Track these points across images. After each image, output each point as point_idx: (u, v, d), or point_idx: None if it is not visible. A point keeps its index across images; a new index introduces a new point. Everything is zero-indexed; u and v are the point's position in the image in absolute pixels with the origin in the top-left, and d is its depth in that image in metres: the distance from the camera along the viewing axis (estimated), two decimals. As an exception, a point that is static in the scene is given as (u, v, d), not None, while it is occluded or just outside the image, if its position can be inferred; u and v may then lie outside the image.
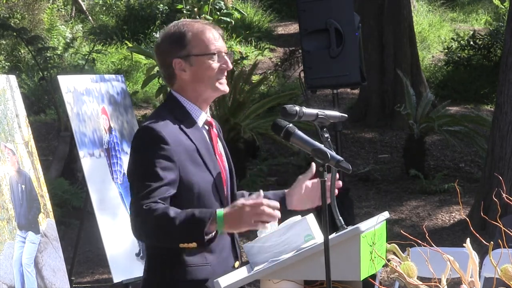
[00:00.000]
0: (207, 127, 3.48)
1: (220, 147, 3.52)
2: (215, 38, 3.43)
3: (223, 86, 3.45)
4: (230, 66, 3.46)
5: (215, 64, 3.41)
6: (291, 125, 3.33)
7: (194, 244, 3.18)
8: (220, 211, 3.16)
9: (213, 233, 3.19)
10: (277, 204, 3.17)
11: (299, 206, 3.66)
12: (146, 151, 3.28)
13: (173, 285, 3.35)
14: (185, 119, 3.40)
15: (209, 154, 3.41)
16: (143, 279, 3.48)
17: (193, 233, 3.16)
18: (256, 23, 17.47)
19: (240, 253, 3.55)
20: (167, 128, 3.32)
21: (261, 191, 3.33)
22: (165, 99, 3.54)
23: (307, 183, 3.64)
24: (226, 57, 3.44)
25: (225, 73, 3.46)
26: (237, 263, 3.48)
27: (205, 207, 3.32)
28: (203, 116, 3.46)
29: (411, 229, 8.98)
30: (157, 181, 3.23)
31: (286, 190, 3.68)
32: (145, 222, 3.21)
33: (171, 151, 3.28)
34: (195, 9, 12.18)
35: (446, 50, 15.55)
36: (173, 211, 3.18)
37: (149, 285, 3.43)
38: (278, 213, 3.17)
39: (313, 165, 3.45)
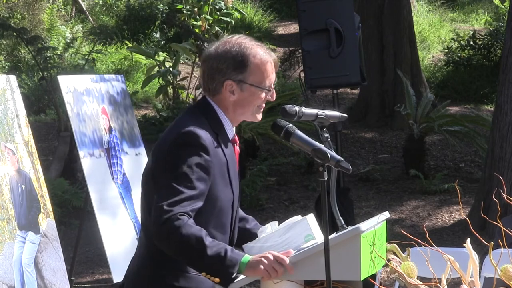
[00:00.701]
0: (231, 145, 3.45)
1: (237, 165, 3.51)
2: (272, 70, 3.41)
3: (260, 116, 3.45)
4: (274, 98, 3.45)
5: (263, 96, 3.40)
6: (291, 125, 3.33)
7: (217, 279, 3.18)
8: (247, 257, 3.18)
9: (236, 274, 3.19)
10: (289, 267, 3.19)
11: None
12: (187, 157, 3.22)
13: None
14: (220, 132, 3.37)
15: (234, 171, 3.40)
16: (134, 274, 3.39)
17: (221, 271, 3.16)
18: (256, 23, 17.46)
19: None
20: (208, 137, 3.28)
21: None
22: (200, 105, 3.45)
23: None
24: (273, 89, 3.44)
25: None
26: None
27: (221, 224, 3.32)
28: (232, 133, 3.44)
29: (411, 229, 8.98)
30: (191, 189, 3.18)
31: None
32: (172, 234, 3.15)
33: (209, 163, 3.24)
34: (195, 9, 12.19)
35: (446, 50, 15.55)
36: (208, 239, 3.14)
37: (142, 284, 3.36)
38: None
39: None
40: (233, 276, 3.17)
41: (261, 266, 3.17)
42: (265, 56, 3.39)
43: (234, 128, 3.47)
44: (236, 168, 3.43)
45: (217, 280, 3.18)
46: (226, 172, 3.34)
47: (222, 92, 3.38)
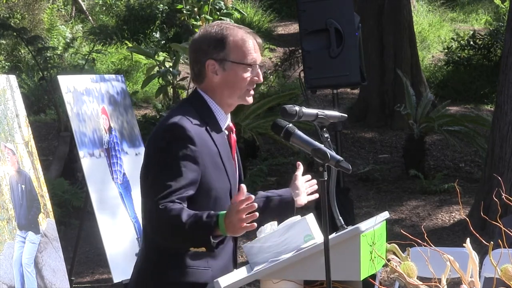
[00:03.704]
0: (227, 132, 3.45)
1: (235, 153, 3.50)
2: (254, 48, 3.40)
3: (250, 98, 3.44)
4: (261, 79, 3.44)
5: (247, 75, 3.39)
6: (291, 125, 3.33)
7: (203, 248, 3.18)
8: (221, 218, 3.12)
9: (222, 237, 3.19)
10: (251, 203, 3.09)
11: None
12: (173, 149, 3.24)
13: (172, 285, 3.33)
14: (210, 121, 3.37)
15: (228, 159, 3.40)
16: (136, 273, 3.43)
17: (200, 238, 3.16)
18: (256, 23, 17.45)
19: (237, 260, 3.53)
20: (195, 128, 3.28)
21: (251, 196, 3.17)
22: (190, 96, 3.49)
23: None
24: (259, 69, 3.42)
25: (254, 85, 3.44)
26: (235, 270, 3.46)
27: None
28: (226, 120, 3.44)
29: (411, 229, 8.97)
30: (178, 182, 3.20)
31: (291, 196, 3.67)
32: (159, 222, 3.20)
33: (197, 153, 3.25)
34: (195, 9, 12.19)
35: (446, 50, 15.55)
36: (186, 214, 3.15)
37: (145, 281, 3.39)
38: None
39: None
40: (213, 241, 3.14)
41: (234, 220, 3.11)
42: (243, 33, 3.41)
43: (229, 116, 3.47)
44: (231, 157, 3.43)
45: (202, 249, 3.18)
46: (219, 161, 3.34)
47: (207, 75, 3.39)
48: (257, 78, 3.42)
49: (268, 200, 3.64)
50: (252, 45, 3.40)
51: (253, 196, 3.11)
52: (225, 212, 3.13)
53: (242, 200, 3.08)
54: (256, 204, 3.09)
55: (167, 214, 3.16)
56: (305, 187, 3.71)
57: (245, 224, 3.09)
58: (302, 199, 3.68)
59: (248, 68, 3.38)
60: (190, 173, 3.23)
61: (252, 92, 3.43)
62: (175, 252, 3.31)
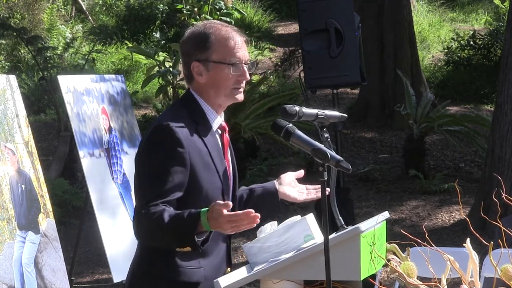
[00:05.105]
0: (220, 132, 3.46)
1: (228, 153, 3.50)
2: (238, 46, 3.38)
3: (239, 96, 3.42)
4: (248, 77, 3.42)
5: (231, 74, 3.37)
6: (291, 125, 3.32)
7: (188, 248, 3.18)
8: (204, 217, 3.11)
9: (207, 234, 3.17)
10: (254, 214, 3.06)
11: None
12: (160, 153, 3.25)
13: (164, 283, 3.34)
14: (201, 122, 3.37)
15: (220, 159, 3.39)
16: (131, 272, 3.44)
17: (184, 238, 3.16)
18: (256, 23, 17.45)
19: (231, 259, 3.53)
20: (184, 130, 3.28)
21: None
22: (182, 97, 3.49)
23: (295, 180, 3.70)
24: (245, 67, 3.40)
25: (243, 83, 3.42)
26: (228, 269, 3.47)
27: None
28: (218, 120, 3.43)
29: (411, 229, 8.97)
30: (165, 186, 3.22)
31: (277, 187, 3.67)
32: (142, 226, 3.23)
33: (184, 154, 3.25)
34: (195, 9, 12.19)
35: (446, 50, 15.55)
36: (167, 215, 3.16)
37: (139, 279, 3.40)
38: (257, 220, 3.08)
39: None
40: (198, 239, 3.13)
41: (220, 220, 3.10)
42: (227, 31, 3.39)
43: (221, 116, 3.47)
44: (223, 156, 3.43)
45: (188, 248, 3.18)
46: (209, 160, 3.34)
47: (194, 77, 3.40)
48: (242, 77, 3.40)
49: (251, 191, 3.67)
50: (236, 43, 3.38)
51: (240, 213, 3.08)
52: (207, 209, 3.12)
53: (233, 215, 3.06)
54: (254, 212, 3.07)
55: (148, 218, 3.17)
56: (295, 183, 3.71)
57: (233, 226, 3.09)
58: (287, 190, 3.66)
59: (232, 67, 3.37)
60: (177, 176, 3.23)
61: (241, 90, 3.42)
62: (167, 252, 3.31)
